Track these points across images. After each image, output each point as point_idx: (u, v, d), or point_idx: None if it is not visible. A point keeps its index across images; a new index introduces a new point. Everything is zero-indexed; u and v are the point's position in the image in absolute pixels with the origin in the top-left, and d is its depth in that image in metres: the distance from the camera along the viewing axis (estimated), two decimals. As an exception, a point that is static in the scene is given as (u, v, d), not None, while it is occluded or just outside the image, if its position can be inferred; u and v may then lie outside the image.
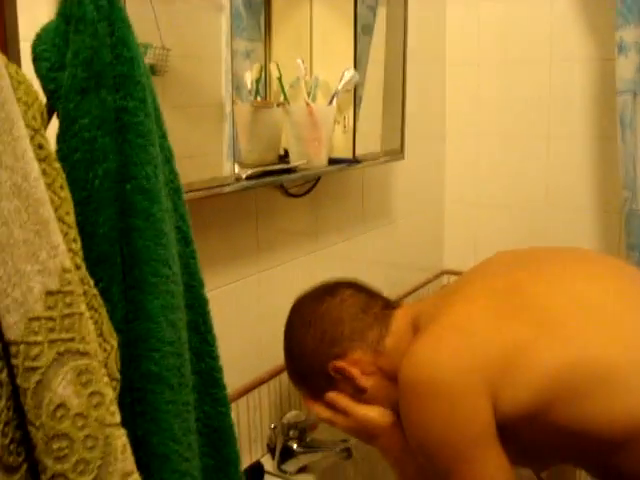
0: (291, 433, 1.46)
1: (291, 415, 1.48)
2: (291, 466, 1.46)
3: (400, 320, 1.20)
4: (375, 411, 1.21)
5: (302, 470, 1.47)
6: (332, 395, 1.24)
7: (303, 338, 1.22)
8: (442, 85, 2.11)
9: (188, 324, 0.65)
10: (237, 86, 1.38)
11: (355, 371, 1.18)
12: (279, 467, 1.46)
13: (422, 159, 2.03)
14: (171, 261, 0.61)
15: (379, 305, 1.23)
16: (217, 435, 0.69)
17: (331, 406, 1.25)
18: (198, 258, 0.66)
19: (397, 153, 1.64)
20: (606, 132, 1.88)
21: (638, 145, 1.64)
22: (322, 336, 1.20)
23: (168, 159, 0.64)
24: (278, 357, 1.51)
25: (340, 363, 1.19)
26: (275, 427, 1.48)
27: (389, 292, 1.87)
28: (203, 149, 1.21)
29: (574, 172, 1.97)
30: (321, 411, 1.27)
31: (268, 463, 1.47)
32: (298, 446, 1.45)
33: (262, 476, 1.42)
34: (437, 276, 2.20)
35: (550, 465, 1.35)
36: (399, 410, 1.07)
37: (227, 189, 1.19)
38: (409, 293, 2.02)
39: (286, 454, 1.46)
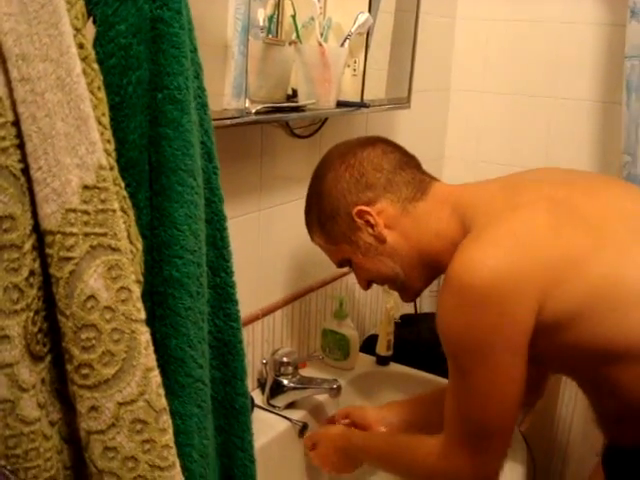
0: (282, 369, 1.49)
1: (283, 352, 1.50)
2: (280, 401, 1.49)
3: (439, 194, 1.19)
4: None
5: (291, 406, 1.51)
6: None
7: (339, 176, 1.21)
8: (450, 39, 2.11)
9: (206, 238, 0.67)
10: (249, 24, 1.38)
11: (379, 220, 1.18)
12: (268, 402, 1.50)
13: (425, 112, 2.03)
14: (196, 173, 0.62)
15: (417, 167, 1.23)
16: (227, 349, 0.72)
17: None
18: (219, 175, 0.68)
19: (403, 101, 1.64)
20: (611, 97, 1.89)
21: (641, 110, 1.66)
22: (359, 178, 1.19)
23: (197, 74, 0.65)
24: (272, 295, 1.54)
25: (366, 208, 1.18)
26: (266, 362, 1.51)
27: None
28: (208, 87, 1.21)
29: (576, 135, 1.99)
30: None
31: (258, 398, 1.50)
32: (288, 382, 1.48)
33: (252, 409, 1.45)
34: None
35: (548, 372, 1.41)
36: (439, 303, 1.08)
37: (236, 121, 1.19)
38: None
39: (276, 389, 1.49)
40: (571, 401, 2.11)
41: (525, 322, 1.00)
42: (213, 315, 0.69)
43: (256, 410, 1.46)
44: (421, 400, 1.45)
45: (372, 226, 1.18)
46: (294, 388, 1.48)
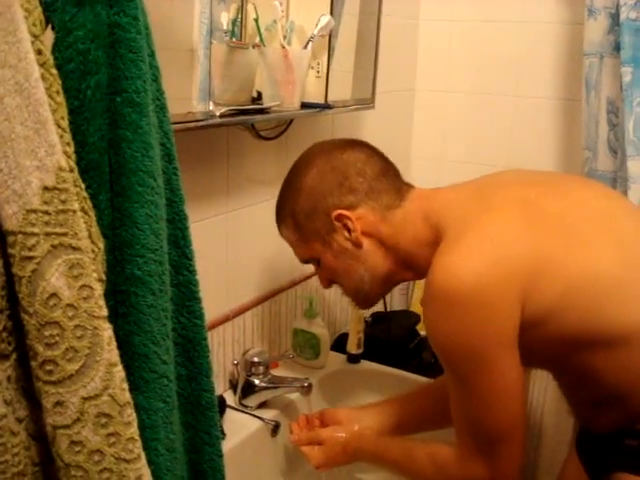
0: (253, 369, 1.50)
1: (253, 352, 1.52)
2: (252, 401, 1.51)
3: (415, 201, 1.19)
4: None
5: (263, 405, 1.52)
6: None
7: (323, 176, 1.20)
8: (414, 40, 2.14)
9: (168, 238, 0.69)
10: (212, 27, 1.40)
11: (357, 225, 1.18)
12: (240, 402, 1.51)
13: (390, 112, 2.06)
14: (156, 173, 0.64)
15: (395, 175, 1.23)
16: (191, 346, 0.73)
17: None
18: (180, 176, 0.69)
19: (368, 102, 1.67)
20: (572, 94, 1.93)
21: (601, 107, 1.70)
22: (342, 181, 1.19)
23: (156, 77, 0.67)
24: (242, 296, 1.56)
25: (347, 212, 1.18)
26: (237, 363, 1.53)
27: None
28: (175, 91, 1.22)
29: (539, 132, 2.02)
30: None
31: (230, 398, 1.52)
32: (260, 382, 1.49)
33: (224, 409, 1.46)
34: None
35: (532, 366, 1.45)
36: (426, 315, 1.09)
37: (201, 124, 1.21)
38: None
39: (248, 389, 1.51)
40: (542, 392, 2.15)
41: (513, 320, 1.02)
42: (177, 313, 0.71)
43: (228, 410, 1.48)
44: (398, 401, 1.45)
45: (350, 231, 1.19)
46: (265, 388, 1.50)
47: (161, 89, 0.67)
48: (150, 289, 0.62)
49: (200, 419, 0.75)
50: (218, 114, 1.27)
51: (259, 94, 1.47)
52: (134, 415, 0.59)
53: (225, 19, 1.44)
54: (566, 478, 1.38)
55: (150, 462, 0.63)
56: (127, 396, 0.57)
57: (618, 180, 1.67)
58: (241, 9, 1.47)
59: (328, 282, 1.30)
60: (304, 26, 1.50)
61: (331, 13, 1.48)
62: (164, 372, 0.65)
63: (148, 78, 0.63)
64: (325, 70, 1.52)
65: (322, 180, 1.20)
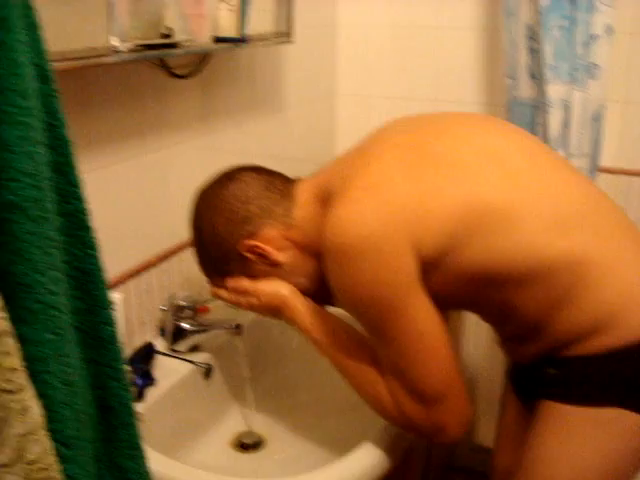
0: (182, 314, 1.48)
1: (182, 296, 1.50)
2: (183, 346, 1.49)
3: (305, 191, 1.21)
4: (272, 285, 1.24)
5: (194, 349, 1.51)
6: (231, 281, 1.27)
7: (213, 221, 1.23)
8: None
9: (51, 165, 0.65)
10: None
11: (268, 248, 1.20)
12: (171, 347, 1.49)
13: (313, 48, 2.02)
14: (27, 94, 0.60)
15: (281, 181, 1.24)
16: (87, 278, 0.70)
17: (234, 292, 1.28)
18: (60, 98, 0.66)
19: (286, 35, 1.63)
20: (493, 22, 1.92)
21: (520, 33, 1.69)
22: (232, 216, 1.21)
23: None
24: (167, 240, 1.53)
25: (252, 242, 1.20)
26: (166, 308, 1.50)
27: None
28: (80, 27, 1.17)
29: (462, 64, 2.01)
30: (225, 296, 1.30)
31: (161, 345, 1.50)
32: (189, 326, 1.48)
33: (152, 355, 1.44)
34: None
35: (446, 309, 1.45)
36: (327, 276, 1.10)
37: (106, 60, 1.16)
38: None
39: (178, 334, 1.49)
40: (473, 326, 2.18)
41: (409, 264, 1.03)
42: (68, 244, 0.68)
43: (159, 357, 1.46)
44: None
45: (265, 256, 1.21)
46: (196, 331, 1.49)
47: (28, 4, 0.63)
48: (28, 215, 0.59)
49: (102, 353, 0.73)
50: (124, 49, 1.22)
51: (170, 31, 1.42)
52: (15, 345, 0.56)
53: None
54: (506, 410, 1.41)
55: (42, 395, 0.61)
56: (4, 324, 0.55)
57: (539, 106, 1.68)
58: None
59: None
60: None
61: (240, -56, 1.42)
62: (53, 303, 0.62)
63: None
64: (238, 3, 1.47)
65: (215, 227, 1.22)
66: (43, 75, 0.64)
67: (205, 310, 1.62)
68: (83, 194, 0.68)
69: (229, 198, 1.21)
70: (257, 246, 1.20)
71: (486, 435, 2.17)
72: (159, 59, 1.41)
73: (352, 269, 1.03)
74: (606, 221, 1.12)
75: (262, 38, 1.56)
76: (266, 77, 1.82)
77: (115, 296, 1.34)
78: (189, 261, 1.60)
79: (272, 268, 1.23)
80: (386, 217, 1.02)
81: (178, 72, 1.48)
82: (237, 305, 1.31)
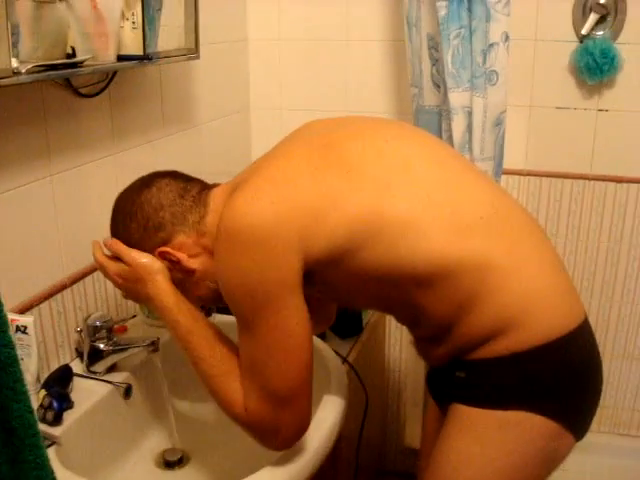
0: (98, 334, 1.47)
1: (96, 316, 1.48)
2: (100, 367, 1.47)
3: (218, 197, 1.21)
4: (146, 256, 1.22)
5: (112, 369, 1.49)
6: (108, 240, 1.27)
7: (127, 229, 1.22)
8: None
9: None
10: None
11: (181, 255, 1.20)
12: (88, 369, 1.47)
13: (224, 64, 2.04)
14: None
15: (197, 188, 1.24)
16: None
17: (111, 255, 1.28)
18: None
19: (192, 52, 1.63)
20: (397, 34, 1.97)
21: (422, 44, 1.74)
22: (145, 224, 1.20)
23: None
24: (80, 260, 1.51)
25: (165, 248, 1.20)
26: (81, 330, 1.48)
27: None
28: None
29: (370, 75, 2.06)
30: (98, 255, 1.29)
31: (78, 367, 1.48)
32: (106, 346, 1.46)
33: (70, 378, 1.42)
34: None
35: (361, 307, 1.46)
36: (215, 259, 1.11)
37: (5, 81, 1.15)
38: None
39: (94, 355, 1.47)
40: (398, 330, 2.22)
41: (294, 265, 1.04)
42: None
43: (77, 379, 1.44)
44: None
45: (177, 262, 1.20)
46: (112, 351, 1.47)
47: None
48: None
49: (2, 375, 0.72)
50: (23, 70, 1.21)
51: (74, 50, 1.41)
52: None
53: (29, -28, 1.37)
54: (427, 413, 1.45)
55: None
56: None
57: (443, 114, 1.73)
58: (44, -38, 1.40)
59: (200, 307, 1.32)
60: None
61: (140, -41, 1.43)
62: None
63: None
64: (141, 20, 1.47)
65: (130, 234, 1.22)
66: None
67: (122, 330, 1.60)
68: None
69: (143, 205, 1.21)
70: (169, 252, 1.20)
71: (414, 437, 2.20)
72: (64, 79, 1.40)
73: (237, 255, 1.03)
74: (512, 225, 1.15)
75: (168, 55, 1.56)
76: (177, 93, 1.82)
77: (26, 319, 1.33)
78: (104, 281, 1.59)
79: (186, 274, 1.22)
80: (281, 212, 1.04)
81: (84, 91, 1.47)
82: (104, 270, 1.29)
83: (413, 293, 1.11)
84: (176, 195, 1.22)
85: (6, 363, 0.72)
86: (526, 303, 1.09)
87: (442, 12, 1.63)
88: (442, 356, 1.19)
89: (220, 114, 2.05)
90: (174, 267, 1.22)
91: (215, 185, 1.26)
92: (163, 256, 1.21)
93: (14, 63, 1.21)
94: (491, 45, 1.66)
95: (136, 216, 1.21)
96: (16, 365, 0.73)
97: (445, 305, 1.10)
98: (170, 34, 1.60)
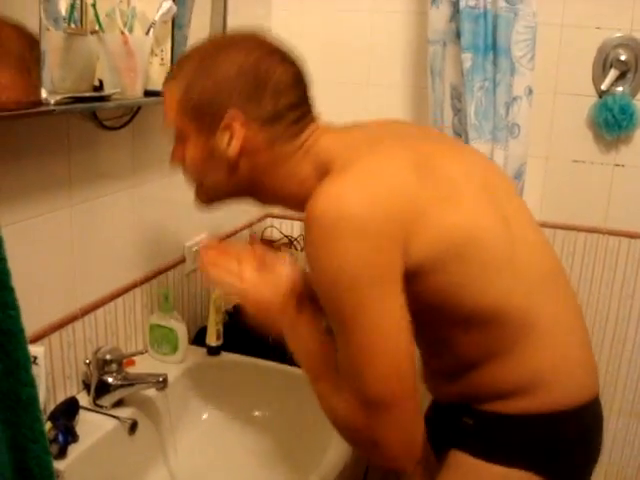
0: (106, 368, 1.46)
1: (105, 349, 1.47)
2: (107, 400, 1.46)
3: (310, 140, 1.11)
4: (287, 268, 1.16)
5: (119, 404, 1.48)
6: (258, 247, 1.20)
7: (242, 71, 1.07)
8: (267, 28, 2.13)
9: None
10: (52, 12, 1.34)
11: (242, 141, 1.08)
12: (95, 402, 1.46)
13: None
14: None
15: (307, 108, 1.13)
16: (6, 338, 0.69)
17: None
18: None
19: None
20: (420, 81, 1.98)
21: (445, 93, 1.75)
22: (255, 91, 1.07)
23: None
24: (92, 293, 1.50)
25: (241, 120, 1.07)
26: (90, 362, 1.47)
27: (213, 229, 1.90)
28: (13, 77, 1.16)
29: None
30: (248, 273, 1.17)
31: (84, 399, 1.47)
32: (114, 380, 1.45)
33: (77, 410, 1.41)
34: (261, 219, 2.24)
35: None
36: (308, 249, 1.00)
37: (34, 110, 1.15)
38: (233, 234, 2.05)
39: (101, 389, 1.46)
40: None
41: (396, 257, 0.97)
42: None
43: (83, 412, 1.43)
44: None
45: (231, 138, 1.08)
46: (120, 386, 1.46)
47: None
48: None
49: (21, 415, 0.71)
50: (53, 102, 1.21)
51: (101, 83, 1.42)
52: None
53: (63, 5, 1.38)
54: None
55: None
56: None
57: (463, 163, 1.73)
58: (78, -4, 1.42)
59: (178, 163, 1.18)
60: (146, 12, 1.47)
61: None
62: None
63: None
64: (169, 57, 1.49)
65: (238, 75, 1.07)
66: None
67: (131, 364, 1.59)
68: (4, 253, 0.67)
69: (271, 74, 1.07)
70: (240, 127, 1.07)
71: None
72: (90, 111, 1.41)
73: (339, 245, 0.95)
74: (558, 286, 1.14)
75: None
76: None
77: (37, 350, 1.31)
78: (115, 314, 1.58)
79: (220, 152, 1.10)
80: (385, 206, 0.97)
81: (108, 124, 1.47)
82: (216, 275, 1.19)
83: (450, 328, 1.08)
84: (294, 102, 1.10)
85: (27, 403, 0.72)
86: (554, 371, 1.09)
87: (467, 64, 1.64)
88: (453, 395, 1.17)
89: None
90: (222, 139, 1.09)
91: (311, 116, 1.14)
92: (230, 123, 1.07)
93: (43, 94, 1.21)
94: (514, 98, 1.67)
95: (258, 74, 1.06)
96: (36, 404, 0.73)
97: (476, 348, 1.08)
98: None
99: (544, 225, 2.02)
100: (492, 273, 1.04)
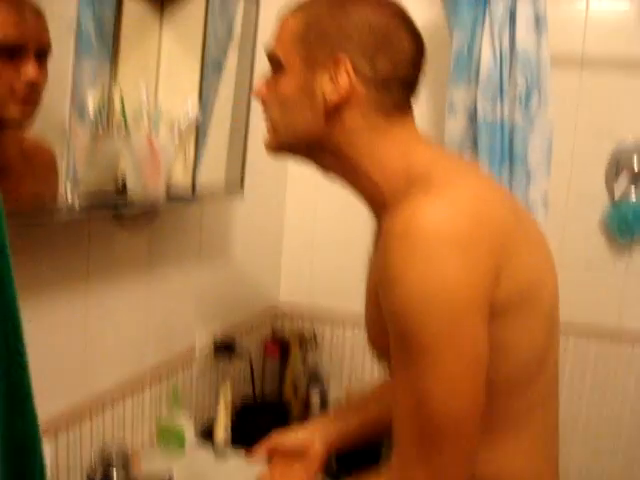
0: (113, 464, 1.44)
1: (112, 447, 1.45)
2: (112, 498, 1.44)
3: (405, 134, 1.03)
4: None
5: (122, 502, 1.45)
6: None
7: (371, 24, 1.00)
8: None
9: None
10: (80, 108, 1.39)
11: (347, 84, 0.98)
12: (99, 500, 1.44)
13: (263, 199, 2.09)
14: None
15: (412, 92, 1.04)
16: (24, 444, 0.69)
17: None
18: (11, 268, 0.66)
19: (236, 190, 1.67)
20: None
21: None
22: (376, 39, 0.99)
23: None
24: (101, 385, 1.50)
25: (351, 69, 0.98)
26: (95, 459, 1.46)
27: (225, 322, 1.91)
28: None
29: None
30: None
31: (87, 496, 1.44)
32: (118, 477, 1.43)
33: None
34: (272, 311, 2.25)
35: None
36: (389, 262, 0.90)
37: (57, 217, 1.17)
38: (245, 326, 2.06)
39: (107, 487, 1.44)
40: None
41: (491, 289, 0.90)
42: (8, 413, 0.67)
43: (86, 508, 1.40)
44: (350, 410, 1.32)
45: (334, 83, 0.99)
46: (125, 484, 1.44)
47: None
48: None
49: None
50: (77, 204, 1.24)
51: (124, 181, 1.45)
52: None
53: (91, 104, 1.43)
54: None
55: None
56: None
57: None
58: (107, 96, 1.46)
59: (263, 95, 1.07)
60: (172, 113, 1.51)
61: (200, 102, 1.49)
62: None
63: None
64: (192, 158, 1.52)
65: (364, 27, 1.00)
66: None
67: (136, 459, 1.57)
68: (27, 363, 0.68)
69: (396, 41, 1.00)
70: (352, 70, 0.98)
71: None
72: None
73: (437, 264, 0.86)
74: (555, 392, 1.10)
75: (214, 192, 1.60)
76: (216, 226, 1.86)
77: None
78: (123, 408, 1.57)
79: (319, 94, 1.00)
80: (484, 230, 0.90)
81: (129, 224, 1.50)
82: None
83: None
84: (408, 80, 1.03)
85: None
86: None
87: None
88: None
89: (254, 243, 2.09)
90: (326, 80, 0.99)
91: (410, 108, 1.05)
92: (339, 67, 0.98)
93: (67, 194, 1.24)
94: (530, 207, 1.69)
95: (386, 34, 1.00)
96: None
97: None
98: (212, 169, 1.64)
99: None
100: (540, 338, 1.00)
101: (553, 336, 1.04)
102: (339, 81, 0.98)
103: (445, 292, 0.87)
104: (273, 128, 1.07)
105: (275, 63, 1.04)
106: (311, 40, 1.01)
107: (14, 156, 1.19)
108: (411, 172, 0.99)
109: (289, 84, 1.02)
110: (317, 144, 1.04)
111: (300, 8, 1.04)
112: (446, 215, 0.89)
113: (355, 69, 0.98)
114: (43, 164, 1.23)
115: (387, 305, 0.91)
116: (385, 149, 1.01)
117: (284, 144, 1.07)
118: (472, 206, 0.92)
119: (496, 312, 0.91)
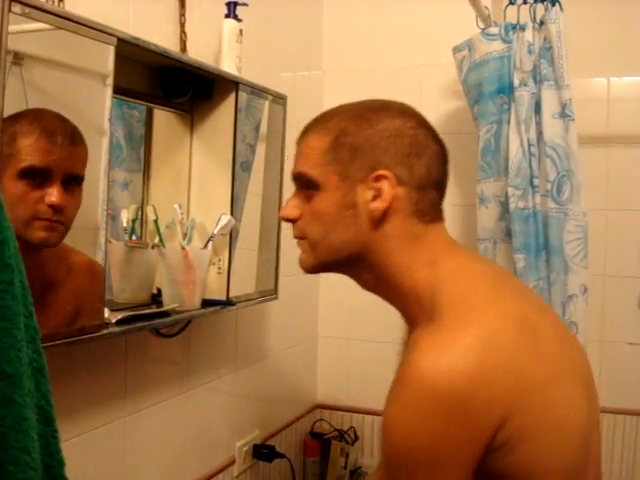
0: None
1: None
2: None
3: (437, 246, 1.02)
4: None
5: None
6: None
7: (402, 132, 1.01)
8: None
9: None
10: (113, 219, 1.40)
11: (393, 195, 0.98)
12: None
13: (296, 297, 2.07)
14: (30, 447, 0.59)
15: (442, 195, 1.05)
16: None
17: None
18: (59, 437, 0.65)
19: (271, 293, 1.66)
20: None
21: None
22: (409, 146, 1.00)
23: (33, 338, 0.63)
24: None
25: (394, 179, 0.99)
26: None
27: (264, 426, 1.87)
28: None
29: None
30: None
31: None
32: None
33: None
34: (310, 410, 2.21)
35: None
36: (392, 401, 0.92)
37: (96, 335, 1.16)
38: (285, 427, 2.02)
39: None
40: None
41: (483, 440, 0.89)
42: None
43: None
44: None
45: (378, 195, 0.99)
46: None
47: (39, 350, 0.63)
48: None
49: None
50: (114, 321, 1.23)
51: (159, 291, 1.45)
52: None
53: (125, 217, 1.44)
54: None
55: None
56: None
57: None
58: (140, 209, 1.47)
59: (292, 217, 1.07)
60: (205, 223, 1.51)
61: (231, 212, 1.49)
62: None
63: (23, 344, 0.60)
64: (226, 266, 1.52)
65: (397, 135, 1.01)
66: (46, 417, 0.63)
67: None
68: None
69: (428, 148, 1.02)
70: (389, 185, 0.98)
71: None
72: (147, 320, 1.43)
73: (430, 418, 0.87)
74: None
75: (248, 297, 1.59)
76: (249, 330, 1.84)
77: None
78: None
79: (359, 209, 1.00)
80: (493, 383, 0.88)
81: (164, 332, 1.48)
82: None
83: None
84: (439, 181, 1.03)
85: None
86: None
87: (520, 264, 1.65)
88: None
89: (289, 344, 2.07)
90: (366, 195, 0.99)
91: (440, 216, 1.05)
92: (379, 181, 0.98)
93: (105, 312, 1.23)
94: (570, 297, 1.66)
95: (416, 142, 1.01)
96: None
97: None
98: (245, 273, 1.63)
99: (604, 410, 1.96)
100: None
101: (590, 454, 0.98)
102: (384, 193, 0.98)
103: (426, 450, 0.88)
104: (311, 247, 1.05)
105: (305, 183, 1.03)
106: (343, 155, 1.01)
107: (56, 272, 1.19)
108: (434, 297, 0.97)
109: (327, 201, 1.01)
110: (356, 258, 1.03)
111: (322, 126, 1.04)
112: (446, 368, 0.87)
113: (397, 178, 0.99)
114: (90, 277, 1.23)
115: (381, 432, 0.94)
116: (417, 263, 1.00)
117: (323, 262, 1.06)
118: (479, 352, 0.89)
119: (512, 443, 0.90)
